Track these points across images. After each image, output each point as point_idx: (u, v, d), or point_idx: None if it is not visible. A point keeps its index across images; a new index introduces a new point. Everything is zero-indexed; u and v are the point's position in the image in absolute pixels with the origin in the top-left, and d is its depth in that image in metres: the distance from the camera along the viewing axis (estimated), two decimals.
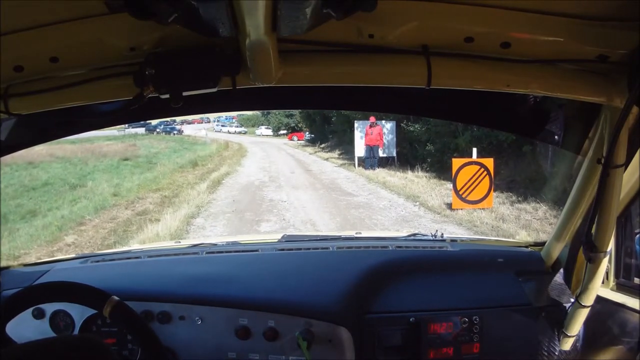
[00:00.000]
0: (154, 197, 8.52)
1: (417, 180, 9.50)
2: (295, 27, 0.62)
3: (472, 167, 6.65)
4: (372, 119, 11.45)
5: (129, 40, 0.68)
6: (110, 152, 17.39)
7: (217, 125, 44.05)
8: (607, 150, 0.79)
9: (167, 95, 0.70)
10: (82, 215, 6.95)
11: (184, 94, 0.70)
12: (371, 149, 11.55)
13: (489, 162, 6.72)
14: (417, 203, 7.39)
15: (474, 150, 7.09)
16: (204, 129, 34.61)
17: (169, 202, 7.96)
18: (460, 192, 6.61)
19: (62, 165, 13.92)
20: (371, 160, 11.56)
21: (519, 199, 7.08)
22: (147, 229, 5.79)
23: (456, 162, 6.82)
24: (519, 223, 5.93)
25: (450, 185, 8.41)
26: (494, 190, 6.88)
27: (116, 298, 0.81)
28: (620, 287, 1.07)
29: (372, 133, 11.39)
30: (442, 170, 10.00)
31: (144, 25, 0.62)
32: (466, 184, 6.61)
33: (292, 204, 7.41)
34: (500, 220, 6.10)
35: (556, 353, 1.10)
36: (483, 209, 6.54)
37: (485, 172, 6.63)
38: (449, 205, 6.85)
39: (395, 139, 11.84)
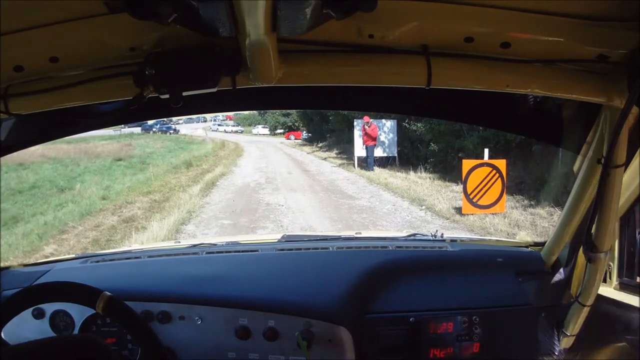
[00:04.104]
0: (143, 201, 8.42)
1: (421, 182, 9.46)
2: (295, 27, 0.65)
3: (484, 170, 6.51)
4: (367, 118, 11.50)
5: (129, 40, 0.71)
6: (104, 152, 17.38)
7: (214, 124, 44.45)
8: (607, 150, 0.82)
9: (167, 95, 0.72)
10: (65, 222, 6.85)
11: (184, 94, 0.73)
12: (367, 149, 11.65)
13: (501, 164, 6.59)
14: (424, 207, 7.33)
15: (486, 151, 6.89)
16: (201, 128, 34.96)
17: (158, 207, 7.86)
18: (471, 196, 6.48)
19: (52, 166, 13.86)
20: (369, 161, 11.65)
21: (531, 202, 6.99)
22: (132, 239, 5.72)
23: (466, 164, 6.68)
24: (535, 230, 5.85)
25: (456, 187, 8.35)
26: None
27: (108, 293, 0.83)
28: (623, 287, 1.11)
29: (367, 133, 11.49)
30: (446, 171, 9.97)
31: (144, 25, 0.64)
32: (477, 187, 6.47)
33: (290, 208, 7.36)
34: (515, 226, 6.03)
35: (556, 353, 1.13)
36: (494, 214, 6.45)
37: (497, 175, 6.50)
38: (458, 210, 6.76)
39: (396, 138, 11.89)
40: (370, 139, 11.56)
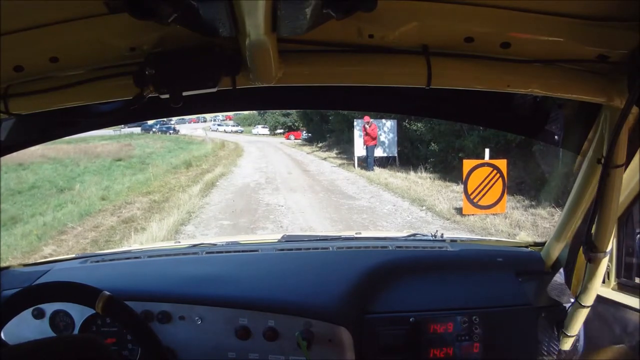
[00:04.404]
0: (142, 201, 8.39)
1: (421, 182, 9.45)
2: (295, 27, 0.65)
3: (484, 170, 6.48)
4: (367, 118, 11.50)
5: (129, 40, 0.71)
6: (104, 153, 17.42)
7: (214, 124, 44.85)
8: (607, 150, 0.82)
9: (167, 95, 0.73)
10: (65, 223, 6.84)
11: (184, 94, 0.73)
12: (367, 149, 11.66)
13: (502, 164, 6.55)
14: (424, 207, 7.31)
15: (487, 151, 6.86)
16: (201, 129, 35.25)
17: (157, 207, 7.83)
18: (472, 197, 6.45)
19: (52, 166, 13.86)
20: (369, 161, 11.65)
21: (532, 203, 6.96)
22: (131, 239, 5.71)
23: (467, 164, 6.65)
24: (537, 231, 5.82)
25: (456, 187, 8.32)
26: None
27: (107, 293, 0.83)
28: (621, 287, 1.11)
29: (368, 133, 11.49)
30: (446, 171, 9.96)
31: (144, 25, 0.64)
32: (478, 187, 6.45)
33: (290, 208, 7.34)
34: (516, 227, 5.99)
35: (556, 353, 1.14)
36: (495, 214, 6.43)
37: (498, 175, 6.46)
38: (458, 210, 6.73)
39: (396, 137, 11.89)
40: (371, 138, 11.57)
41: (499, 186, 6.50)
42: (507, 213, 6.57)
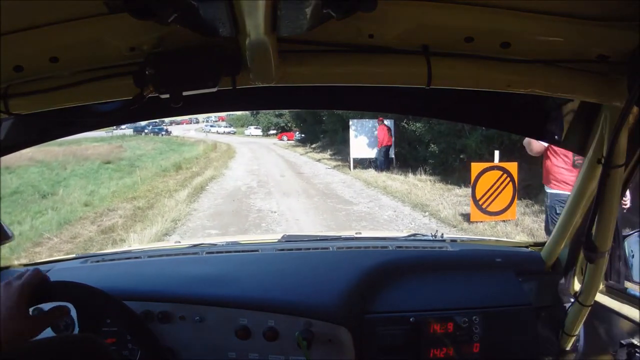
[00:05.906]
0: (126, 208, 8.27)
1: (421, 185, 9.44)
2: (295, 27, 0.67)
3: (494, 173, 6.24)
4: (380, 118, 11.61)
5: (129, 40, 0.73)
6: (93, 155, 17.49)
7: (206, 125, 45.21)
8: (607, 150, 0.84)
9: (167, 95, 0.75)
10: (42, 232, 6.70)
11: (184, 94, 0.75)
12: (380, 150, 11.76)
13: (513, 167, 6.31)
14: (427, 213, 7.24)
15: (496, 153, 6.64)
16: (194, 130, 35.54)
17: (141, 215, 7.68)
18: (480, 202, 6.25)
19: (39, 169, 13.80)
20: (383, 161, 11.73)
21: (542, 207, 6.81)
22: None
23: (475, 167, 6.40)
24: None
25: (459, 191, 8.21)
26: None
27: None
28: (609, 290, 1.15)
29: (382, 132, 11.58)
30: (447, 173, 9.95)
31: (144, 25, 0.66)
32: (487, 192, 6.26)
33: (283, 215, 7.28)
34: (529, 235, 5.79)
35: (556, 353, 1.17)
36: (505, 220, 6.29)
37: (508, 179, 6.24)
38: (465, 217, 6.58)
39: (394, 138, 11.97)
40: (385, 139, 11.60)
41: (509, 191, 6.28)
42: (517, 220, 6.43)
